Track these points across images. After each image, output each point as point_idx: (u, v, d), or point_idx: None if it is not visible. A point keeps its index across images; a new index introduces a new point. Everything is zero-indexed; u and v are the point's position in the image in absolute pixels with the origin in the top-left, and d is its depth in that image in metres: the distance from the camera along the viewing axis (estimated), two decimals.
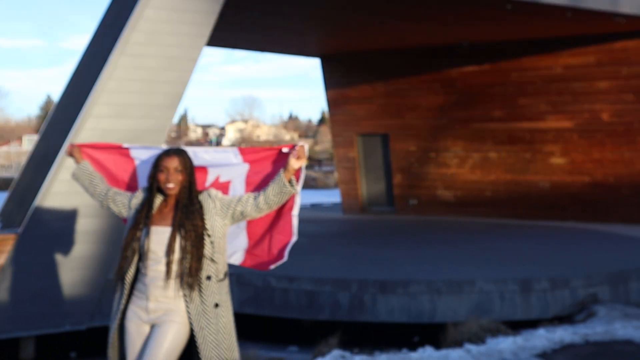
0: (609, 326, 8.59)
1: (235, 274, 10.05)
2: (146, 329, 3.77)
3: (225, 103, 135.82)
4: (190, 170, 3.80)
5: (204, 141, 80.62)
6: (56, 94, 74.65)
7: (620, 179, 15.80)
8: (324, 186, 41.98)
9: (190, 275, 3.67)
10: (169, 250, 3.70)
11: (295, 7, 13.46)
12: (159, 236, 3.75)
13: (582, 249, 12.48)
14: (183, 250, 3.70)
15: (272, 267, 4.20)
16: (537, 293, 9.68)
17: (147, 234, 3.74)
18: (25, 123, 70.75)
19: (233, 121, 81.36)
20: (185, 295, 3.70)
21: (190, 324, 3.71)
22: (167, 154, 3.79)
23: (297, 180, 3.93)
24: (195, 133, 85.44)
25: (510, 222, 16.56)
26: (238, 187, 4.18)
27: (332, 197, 28.13)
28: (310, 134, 76.58)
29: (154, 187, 3.81)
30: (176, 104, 9.83)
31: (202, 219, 3.75)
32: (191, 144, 72.34)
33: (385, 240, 14.36)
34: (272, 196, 3.85)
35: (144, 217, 3.78)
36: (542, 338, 8.20)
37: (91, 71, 9.95)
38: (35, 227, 9.13)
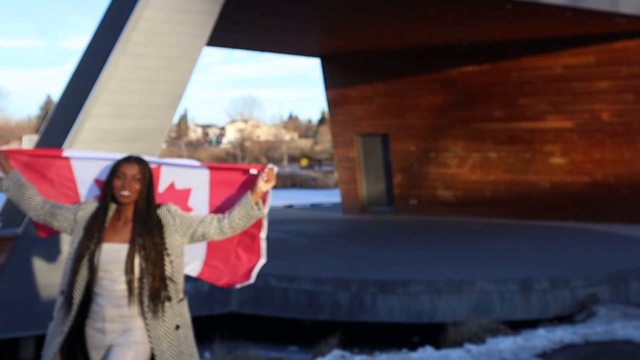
0: (609, 326, 8.59)
1: None
2: (102, 352, 3.49)
3: (225, 103, 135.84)
4: (149, 181, 3.53)
5: (204, 141, 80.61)
6: (56, 94, 74.69)
7: (620, 179, 15.80)
8: (324, 186, 41.98)
9: (152, 298, 3.41)
10: (128, 269, 3.41)
11: (295, 7, 13.45)
12: (114, 254, 3.44)
13: (582, 249, 12.48)
14: (142, 270, 3.42)
15: (238, 286, 3.97)
16: (537, 293, 9.68)
17: (100, 250, 3.43)
18: (25, 123, 70.73)
19: (233, 121, 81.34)
20: (145, 318, 3.43)
21: (151, 347, 3.46)
22: (127, 160, 3.53)
23: (264, 203, 3.71)
24: (195, 133, 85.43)
25: (510, 222, 16.56)
26: (201, 200, 3.87)
27: (332, 197, 28.14)
28: (310, 134, 76.58)
29: (109, 194, 3.50)
30: (176, 104, 9.83)
31: (162, 236, 3.48)
32: (191, 144, 72.34)
33: (385, 240, 14.36)
34: (237, 219, 3.63)
35: (96, 229, 3.46)
36: (542, 338, 8.21)
37: (91, 71, 9.95)
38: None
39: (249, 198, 3.65)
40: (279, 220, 17.54)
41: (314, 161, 58.14)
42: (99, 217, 3.49)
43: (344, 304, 9.81)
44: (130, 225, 3.49)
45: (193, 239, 3.61)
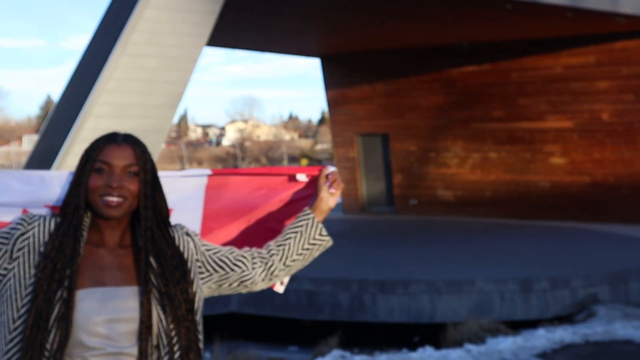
0: (609, 326, 8.60)
1: None
2: None
3: (225, 103, 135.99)
4: (152, 175, 2.03)
5: (204, 141, 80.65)
6: (56, 94, 74.71)
7: (620, 179, 15.80)
8: None
9: None
10: (143, 336, 1.89)
11: (295, 7, 13.46)
12: (110, 308, 1.90)
13: (582, 249, 12.48)
14: (166, 338, 1.93)
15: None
16: (537, 293, 9.68)
17: (77, 302, 1.88)
18: (25, 123, 70.73)
19: (233, 121, 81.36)
20: None
21: None
22: (112, 140, 2.03)
23: None
24: (195, 133, 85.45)
25: (510, 222, 16.56)
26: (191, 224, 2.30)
27: None
28: (310, 134, 76.60)
29: (82, 203, 1.97)
30: (176, 104, 9.84)
31: (189, 278, 2.02)
32: (191, 144, 72.36)
33: (385, 240, 14.36)
34: (295, 254, 2.25)
35: (66, 264, 1.91)
36: (542, 338, 8.21)
37: (91, 71, 9.95)
38: None
39: (312, 218, 2.27)
40: None
41: (314, 161, 58.18)
42: (68, 242, 1.93)
43: (344, 304, 9.81)
44: (128, 254, 2.00)
45: (221, 289, 2.17)
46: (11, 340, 1.88)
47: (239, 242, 2.36)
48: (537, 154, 16.82)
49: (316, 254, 2.32)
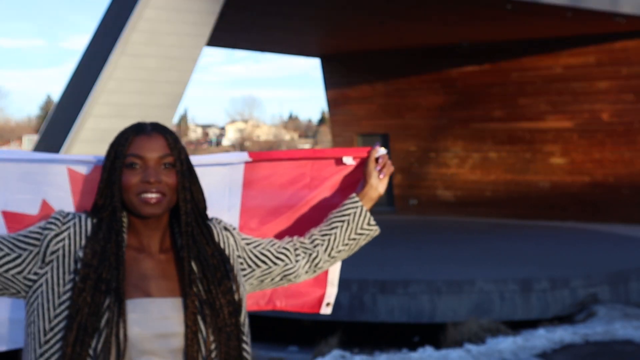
0: (609, 326, 8.60)
1: None
2: None
3: (225, 103, 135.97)
4: (188, 164, 1.83)
5: (204, 141, 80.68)
6: (56, 94, 74.74)
7: (620, 179, 15.80)
8: None
9: None
10: (191, 351, 1.72)
11: (295, 7, 13.46)
12: (157, 322, 1.72)
13: (582, 249, 12.48)
14: (210, 350, 1.75)
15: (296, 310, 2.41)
16: (537, 293, 9.68)
17: (122, 317, 1.68)
18: (25, 123, 70.74)
19: (233, 121, 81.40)
20: None
21: None
22: (142, 131, 1.82)
23: None
24: (195, 133, 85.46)
25: (510, 222, 16.56)
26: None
27: None
28: (310, 134, 76.62)
29: (118, 204, 1.77)
30: (176, 104, 9.84)
31: (232, 279, 1.83)
32: (191, 143, 72.39)
33: (385, 240, 14.34)
34: (341, 244, 2.08)
35: (112, 272, 1.71)
36: (542, 338, 8.21)
37: (91, 71, 9.95)
38: None
39: (360, 206, 2.09)
40: None
41: None
42: (110, 248, 1.74)
43: (344, 304, 9.81)
44: (170, 259, 1.81)
45: (262, 284, 2.02)
46: (42, 355, 1.68)
47: (279, 238, 2.14)
48: (537, 154, 16.83)
49: (362, 243, 2.15)
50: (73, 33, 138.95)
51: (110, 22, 10.48)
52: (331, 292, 2.33)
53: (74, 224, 1.76)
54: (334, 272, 2.30)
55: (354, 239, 2.10)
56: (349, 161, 2.18)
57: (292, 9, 13.66)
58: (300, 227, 2.17)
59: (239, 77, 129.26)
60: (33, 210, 1.95)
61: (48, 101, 71.15)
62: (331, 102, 19.90)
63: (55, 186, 1.96)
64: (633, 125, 15.61)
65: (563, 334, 8.32)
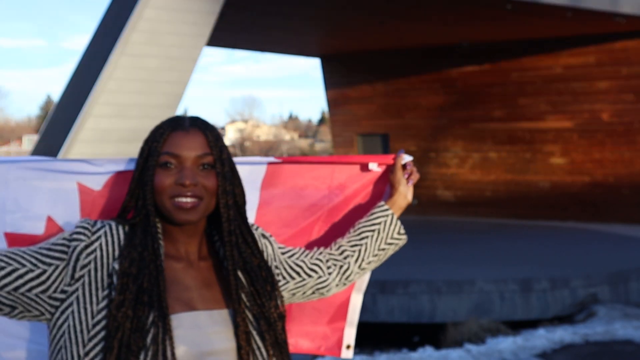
0: (609, 326, 8.60)
1: None
2: None
3: (225, 103, 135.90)
4: (230, 166, 1.64)
5: None
6: (56, 94, 74.75)
7: (620, 179, 15.81)
8: None
9: None
10: None
11: (295, 7, 13.46)
12: (205, 337, 1.54)
13: (582, 249, 12.48)
14: None
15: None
16: (537, 293, 9.68)
17: (168, 334, 1.48)
18: (25, 123, 70.74)
19: (233, 121, 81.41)
20: None
21: None
22: (179, 126, 1.63)
23: None
24: None
25: (510, 222, 16.56)
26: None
27: None
28: (310, 134, 76.64)
29: (152, 207, 1.59)
30: (176, 104, 9.84)
31: (278, 292, 1.68)
32: None
33: None
34: (372, 255, 1.96)
35: (153, 285, 1.52)
36: (542, 338, 8.22)
37: (91, 71, 9.95)
38: None
39: (391, 215, 1.98)
40: None
41: None
42: (148, 256, 1.55)
43: None
44: (210, 268, 1.64)
45: (294, 298, 1.87)
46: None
47: (300, 244, 2.03)
48: (537, 154, 16.83)
49: (390, 253, 2.01)
50: (73, 33, 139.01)
51: (110, 22, 10.48)
52: (350, 333, 2.16)
53: (105, 233, 1.55)
54: (354, 312, 2.16)
55: (384, 249, 1.97)
56: (375, 167, 2.08)
57: (292, 9, 13.66)
58: (322, 234, 2.06)
59: (239, 77, 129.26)
60: (38, 229, 1.71)
61: (48, 101, 71.16)
62: (331, 102, 19.91)
63: (63, 202, 1.74)
64: (633, 125, 15.61)
65: (563, 334, 8.32)
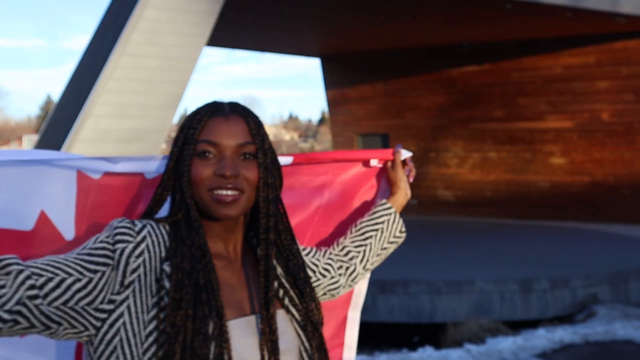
0: (609, 326, 8.60)
1: None
2: None
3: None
4: (272, 156, 1.50)
5: None
6: (56, 94, 74.73)
7: (620, 179, 15.80)
8: None
9: None
10: None
11: (295, 7, 13.46)
12: (257, 343, 1.40)
13: (582, 249, 12.48)
14: None
15: None
16: (537, 293, 9.68)
17: (222, 335, 1.34)
18: (25, 123, 70.74)
19: None
20: None
21: None
22: (218, 112, 1.49)
23: None
24: None
25: (510, 222, 16.56)
26: None
27: None
28: (310, 134, 76.62)
29: (191, 200, 1.44)
30: (176, 104, 9.84)
31: (315, 293, 1.55)
32: None
33: None
34: (376, 254, 1.89)
35: (211, 289, 1.37)
36: (542, 338, 8.21)
37: (91, 71, 9.95)
38: None
39: (394, 213, 1.94)
40: None
41: None
42: (195, 251, 1.41)
43: None
44: (250, 264, 1.51)
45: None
46: None
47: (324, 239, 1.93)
48: (537, 154, 16.83)
49: (390, 252, 1.93)
50: (73, 33, 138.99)
51: (110, 22, 10.48)
52: (349, 356, 2.01)
53: (149, 233, 1.38)
54: (352, 335, 2.01)
55: (386, 248, 1.90)
56: (375, 163, 1.99)
57: (292, 9, 13.65)
58: (320, 230, 1.95)
59: (239, 77, 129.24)
60: (27, 224, 1.53)
61: (48, 101, 71.16)
62: (331, 102, 19.91)
63: (59, 194, 1.56)
64: (633, 125, 15.60)
65: (563, 334, 8.32)
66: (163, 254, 1.37)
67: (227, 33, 14.98)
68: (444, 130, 18.03)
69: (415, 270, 10.55)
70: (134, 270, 1.33)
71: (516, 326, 9.02)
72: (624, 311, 9.33)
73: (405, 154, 1.98)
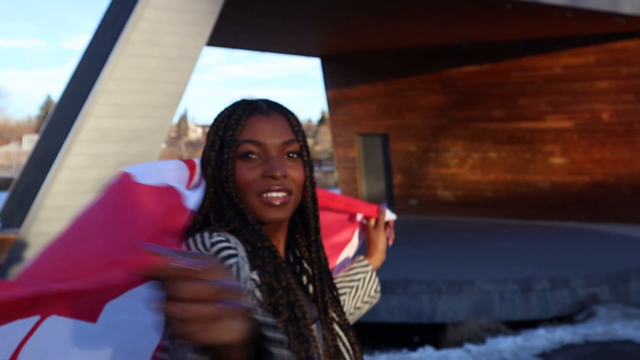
0: (609, 326, 8.60)
1: None
2: None
3: (225, 103, 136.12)
4: (310, 155, 1.44)
5: (204, 141, 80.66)
6: (56, 94, 74.74)
7: (620, 179, 15.81)
8: (324, 186, 42.03)
9: None
10: None
11: (295, 7, 13.46)
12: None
13: (582, 249, 12.48)
14: None
15: None
16: (537, 293, 9.68)
17: (313, 337, 1.33)
18: (25, 123, 70.77)
19: None
20: None
21: None
22: (257, 108, 1.41)
23: None
24: (195, 133, 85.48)
25: (510, 222, 16.56)
26: None
27: None
28: (310, 134, 76.63)
29: (242, 205, 1.36)
30: (176, 104, 9.84)
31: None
32: (191, 144, 72.30)
33: None
34: (348, 314, 1.83)
35: (289, 288, 1.32)
36: (542, 338, 8.21)
37: (91, 71, 9.95)
38: (35, 227, 9.13)
39: (371, 271, 1.87)
40: None
41: (314, 161, 58.05)
42: (267, 254, 1.33)
43: None
44: (292, 269, 1.48)
45: None
46: None
47: None
48: (537, 154, 16.83)
49: (363, 313, 1.83)
50: (73, 33, 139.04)
51: (110, 22, 10.48)
52: None
53: (236, 244, 1.30)
54: None
55: (359, 308, 1.80)
56: (359, 218, 1.92)
57: (292, 9, 13.65)
58: None
59: (239, 77, 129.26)
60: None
61: (48, 101, 71.19)
62: (331, 102, 19.91)
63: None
64: (633, 125, 15.60)
65: (563, 334, 8.32)
66: (247, 263, 1.29)
67: (227, 33, 14.98)
68: (444, 130, 18.03)
69: (415, 270, 10.55)
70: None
71: (516, 326, 9.03)
72: (624, 311, 9.33)
73: (390, 216, 1.90)
